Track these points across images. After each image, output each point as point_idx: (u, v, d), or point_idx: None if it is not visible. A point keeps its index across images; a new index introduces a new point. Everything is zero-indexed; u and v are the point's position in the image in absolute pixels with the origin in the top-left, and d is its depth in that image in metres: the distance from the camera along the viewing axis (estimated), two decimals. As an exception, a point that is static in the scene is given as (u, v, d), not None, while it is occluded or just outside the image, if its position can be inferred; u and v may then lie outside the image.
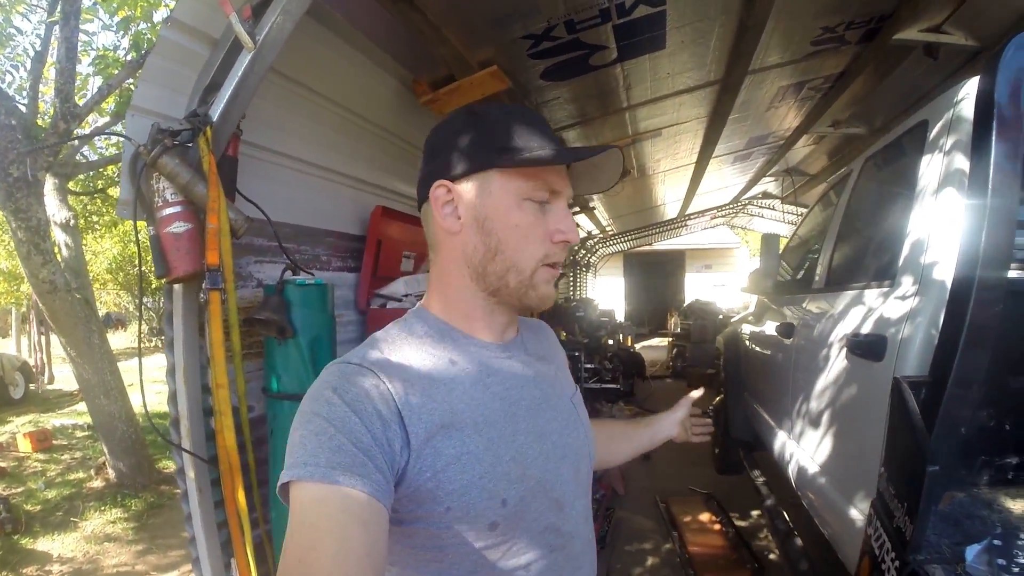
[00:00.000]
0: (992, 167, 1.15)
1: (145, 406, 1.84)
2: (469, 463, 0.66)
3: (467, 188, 0.71)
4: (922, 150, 1.67)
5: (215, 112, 1.61)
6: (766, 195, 8.06)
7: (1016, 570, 0.98)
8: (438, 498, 0.64)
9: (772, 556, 3.17)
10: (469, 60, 2.46)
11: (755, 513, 3.74)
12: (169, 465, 4.89)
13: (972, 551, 1.07)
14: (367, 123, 2.61)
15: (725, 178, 6.89)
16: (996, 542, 1.06)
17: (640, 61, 2.99)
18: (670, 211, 9.12)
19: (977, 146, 1.22)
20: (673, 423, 1.15)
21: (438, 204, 0.72)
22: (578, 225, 7.02)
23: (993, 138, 1.14)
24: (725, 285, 15.15)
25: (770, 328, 3.16)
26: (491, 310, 0.75)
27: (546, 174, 0.71)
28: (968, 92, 1.49)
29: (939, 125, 1.59)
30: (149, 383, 8.61)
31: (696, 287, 15.16)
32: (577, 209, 6.67)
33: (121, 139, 1.51)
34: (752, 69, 3.10)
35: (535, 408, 0.75)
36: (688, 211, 9.37)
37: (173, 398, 1.70)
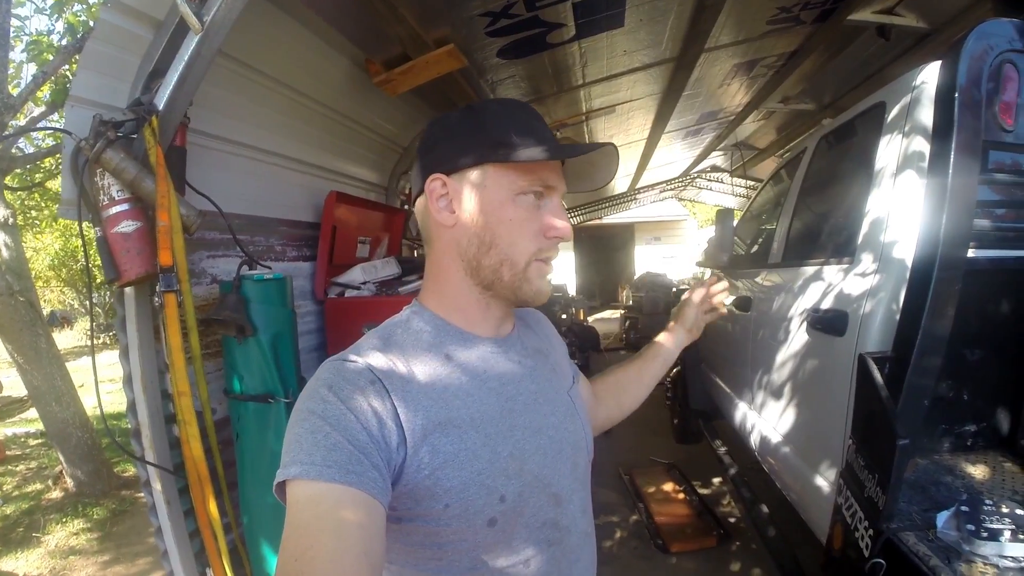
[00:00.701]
0: (953, 151, 1.20)
1: (104, 420, 1.72)
2: (467, 460, 0.66)
3: (462, 182, 0.72)
4: (880, 131, 1.71)
5: (161, 100, 1.50)
6: (715, 168, 8.27)
7: (985, 534, 1.05)
8: (436, 495, 0.64)
9: (734, 521, 3.31)
10: (425, 38, 2.36)
11: (716, 481, 3.89)
12: (128, 468, 4.71)
13: (942, 517, 1.14)
14: (318, 105, 2.48)
15: (675, 153, 7.00)
16: (963, 508, 1.14)
17: (598, 39, 2.96)
18: (620, 186, 9.22)
19: (938, 130, 1.27)
20: (692, 318, 1.10)
21: (433, 197, 0.73)
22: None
23: (955, 123, 1.19)
24: (674, 257, 15.54)
25: (726, 299, 3.25)
26: (486, 304, 0.75)
27: (540, 170, 0.72)
28: (927, 77, 1.53)
29: (897, 108, 1.63)
30: (101, 383, 8.20)
31: (646, 260, 15.48)
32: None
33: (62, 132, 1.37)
34: (708, 47, 3.12)
35: (532, 403, 0.76)
36: (638, 185, 9.51)
37: (132, 408, 1.60)
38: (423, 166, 0.74)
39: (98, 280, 10.60)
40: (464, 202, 0.72)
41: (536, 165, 0.71)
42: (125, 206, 1.47)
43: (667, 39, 3.11)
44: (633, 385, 1.06)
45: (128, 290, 1.57)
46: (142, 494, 4.07)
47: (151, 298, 1.62)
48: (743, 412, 2.73)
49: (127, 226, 1.47)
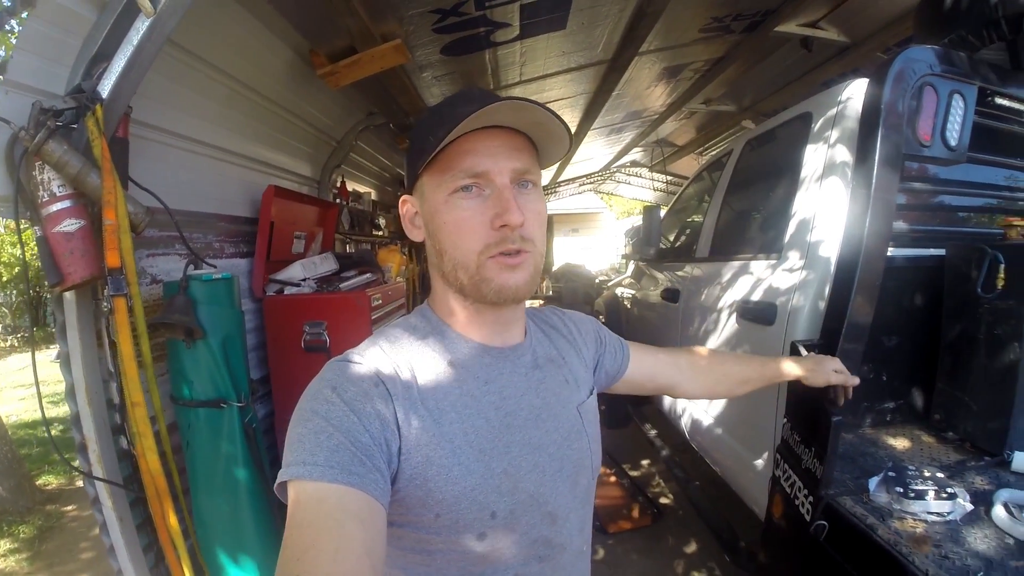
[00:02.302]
0: (876, 161, 1.36)
1: (49, 433, 1.57)
2: (460, 475, 0.65)
3: (416, 198, 0.74)
4: (806, 139, 1.87)
5: (105, 87, 1.38)
6: (634, 163, 8.63)
7: (912, 495, 1.22)
8: (427, 505, 0.64)
9: (665, 501, 3.51)
10: (373, 32, 2.32)
11: (645, 463, 4.10)
12: (51, 481, 4.29)
13: (873, 482, 1.30)
14: (258, 96, 2.37)
15: (598, 149, 7.24)
16: (891, 473, 1.30)
17: (539, 39, 3.03)
18: (543, 178, 9.40)
19: (863, 142, 1.43)
20: (824, 369, 1.18)
21: (405, 219, 0.75)
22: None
23: (879, 137, 1.34)
24: (592, 249, 16.04)
25: (652, 290, 3.42)
26: (474, 309, 0.73)
27: (460, 160, 0.67)
28: (853, 92, 1.69)
29: (823, 119, 1.79)
30: (12, 388, 7.29)
31: (564, 251, 15.88)
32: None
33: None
34: (641, 52, 3.28)
35: (533, 419, 0.74)
36: (559, 179, 9.75)
37: (76, 421, 1.47)
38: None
39: (3, 278, 9.43)
40: (421, 216, 0.74)
41: (458, 157, 0.67)
42: (67, 203, 1.35)
43: (603, 42, 3.24)
44: (735, 386, 1.15)
45: (68, 294, 1.44)
46: (70, 507, 3.76)
47: (93, 301, 1.50)
48: (672, 398, 2.86)
49: (70, 225, 1.35)
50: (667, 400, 2.94)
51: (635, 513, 3.25)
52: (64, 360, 1.45)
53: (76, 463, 1.52)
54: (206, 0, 1.73)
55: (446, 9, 2.38)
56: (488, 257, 0.68)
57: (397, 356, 0.69)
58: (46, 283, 1.31)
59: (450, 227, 0.68)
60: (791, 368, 1.19)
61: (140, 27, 1.37)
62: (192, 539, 1.67)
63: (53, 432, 5.83)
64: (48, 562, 3.18)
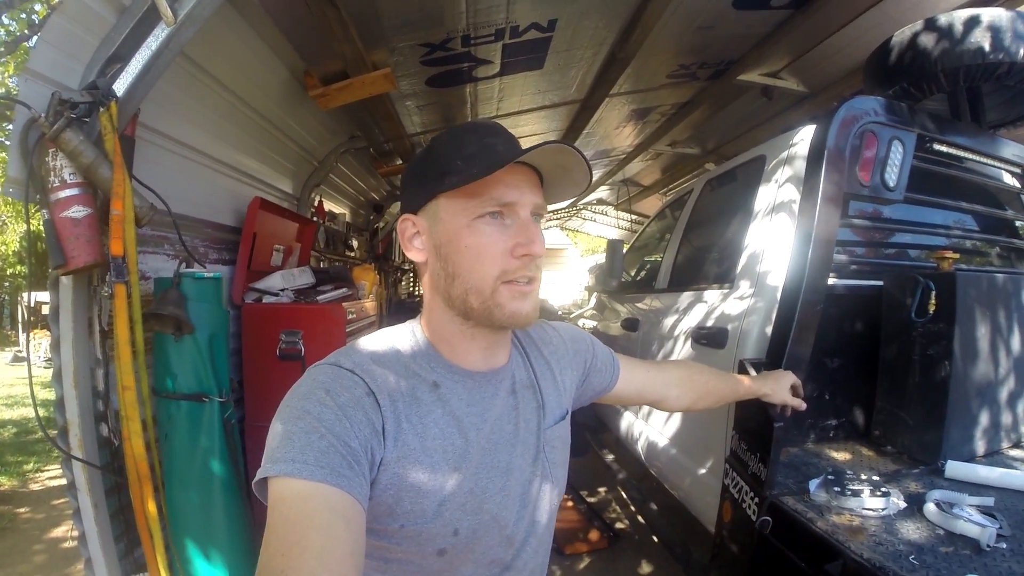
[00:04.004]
0: (820, 199, 1.49)
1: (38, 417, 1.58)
2: (430, 490, 0.67)
3: (424, 219, 0.74)
4: (759, 180, 2.04)
5: (121, 87, 1.48)
6: (600, 201, 8.95)
7: (849, 493, 1.34)
8: (395, 515, 0.66)
9: (621, 526, 3.57)
10: (365, 59, 2.48)
11: (602, 490, 4.16)
12: (3, 483, 4.13)
13: (813, 484, 1.42)
14: (252, 111, 2.48)
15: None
16: (830, 477, 1.42)
17: (517, 77, 3.25)
18: (542, 217, 9.60)
19: (808, 181, 1.56)
20: (783, 387, 1.32)
21: (405, 237, 0.76)
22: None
23: (822, 177, 1.49)
24: (556, 283, 16.30)
25: (613, 321, 3.54)
26: (471, 334, 0.75)
27: (491, 189, 0.69)
28: (802, 137, 1.86)
29: (775, 161, 1.98)
30: None
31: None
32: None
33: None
34: (612, 93, 3.53)
35: (505, 443, 0.76)
36: (528, 216, 9.97)
37: (60, 405, 1.50)
38: (400, 209, 0.78)
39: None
40: (429, 237, 0.74)
41: (488, 185, 0.69)
42: (76, 190, 1.42)
43: (577, 83, 3.48)
44: (714, 401, 1.23)
45: (65, 279, 1.50)
46: (23, 509, 3.61)
47: (88, 288, 1.55)
48: (629, 422, 2.93)
49: (77, 211, 1.42)
50: (624, 425, 3.00)
51: (592, 536, 3.29)
52: (55, 344, 1.49)
53: (54, 450, 1.53)
54: (218, 15, 1.85)
55: (435, 44, 2.57)
56: (503, 283, 0.70)
57: (388, 368, 0.70)
58: (27, 278, 1.36)
59: (472, 251, 0.69)
60: (759, 386, 1.31)
61: (160, 34, 1.48)
62: (168, 532, 1.68)
63: (4, 434, 5.54)
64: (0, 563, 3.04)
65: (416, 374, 0.72)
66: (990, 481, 1.44)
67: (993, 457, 1.64)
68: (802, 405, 1.37)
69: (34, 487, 4.14)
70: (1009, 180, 2.10)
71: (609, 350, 1.04)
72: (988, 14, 1.65)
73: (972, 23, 1.65)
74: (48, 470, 4.50)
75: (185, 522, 1.76)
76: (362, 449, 0.62)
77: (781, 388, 1.34)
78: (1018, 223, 2.30)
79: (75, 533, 1.53)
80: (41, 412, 1.63)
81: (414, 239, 0.75)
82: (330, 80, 2.59)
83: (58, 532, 3.35)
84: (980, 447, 1.63)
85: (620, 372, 1.03)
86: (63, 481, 1.59)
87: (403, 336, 0.76)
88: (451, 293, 0.72)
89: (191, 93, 2.03)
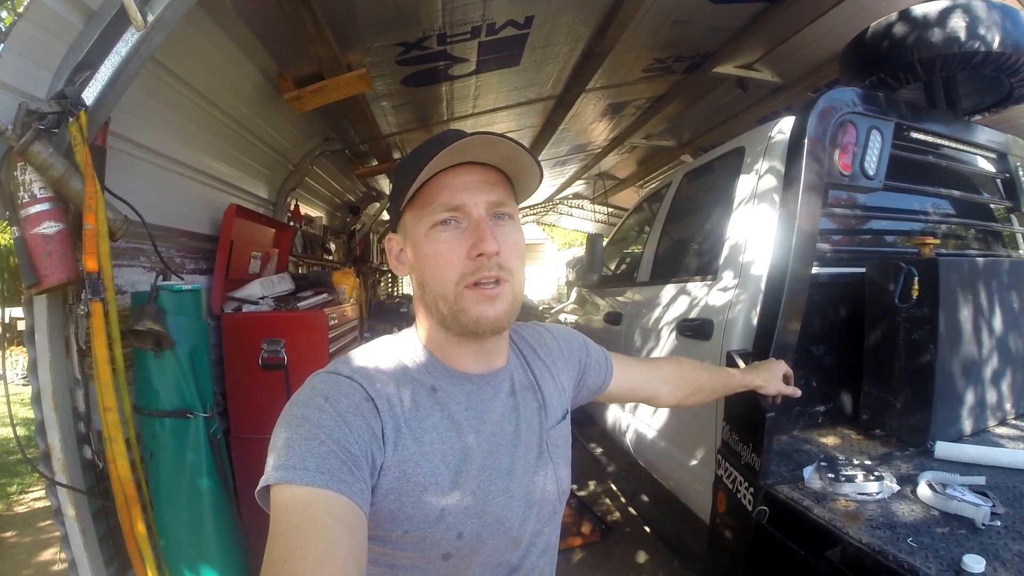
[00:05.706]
0: (801, 190, 1.51)
1: (17, 438, 1.51)
2: (433, 494, 0.68)
3: (401, 235, 0.78)
4: (739, 171, 2.05)
5: (90, 95, 1.42)
6: (576, 196, 8.97)
7: (843, 479, 1.36)
8: (398, 520, 0.66)
9: (613, 519, 3.58)
10: (341, 60, 2.43)
11: (591, 484, 4.18)
12: None
13: (807, 471, 1.44)
14: (224, 116, 2.41)
15: (543, 181, 7.51)
16: (823, 464, 1.44)
17: (492, 75, 3.22)
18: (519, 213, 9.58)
19: (789, 172, 1.58)
20: (776, 377, 1.34)
21: (391, 255, 0.79)
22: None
23: (803, 168, 1.50)
24: (533, 278, 16.34)
25: (595, 315, 3.54)
26: (456, 340, 0.75)
27: (438, 195, 0.70)
28: (782, 129, 1.89)
29: (754, 152, 2.00)
30: None
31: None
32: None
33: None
34: (588, 88, 3.53)
35: (507, 444, 0.77)
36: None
37: (41, 428, 1.44)
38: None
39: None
40: (407, 252, 0.76)
41: (435, 192, 0.70)
42: (47, 205, 1.37)
43: (553, 79, 3.47)
44: (706, 395, 1.24)
45: (39, 298, 1.43)
46: (10, 533, 3.52)
47: (64, 306, 1.49)
48: (615, 416, 2.94)
49: (49, 227, 1.36)
50: (610, 419, 3.01)
51: (585, 530, 3.30)
52: (32, 366, 1.43)
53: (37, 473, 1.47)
54: (189, 19, 1.79)
55: (411, 43, 2.53)
56: (465, 287, 0.70)
57: (387, 375, 0.71)
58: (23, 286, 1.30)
59: (430, 259, 0.71)
60: (752, 378, 1.33)
61: (129, 39, 1.41)
62: (157, 550, 1.63)
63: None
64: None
65: (414, 379, 0.73)
66: (979, 460, 1.48)
67: (980, 436, 1.68)
68: (797, 393, 1.39)
69: (19, 509, 4.00)
70: (984, 165, 2.16)
71: (602, 349, 1.05)
72: (963, 4, 1.67)
73: (947, 13, 1.68)
74: (33, 491, 4.32)
75: (176, 541, 1.70)
76: (362, 454, 0.62)
77: (774, 378, 1.36)
78: (993, 206, 2.36)
79: (64, 557, 1.47)
80: (22, 432, 1.55)
81: (400, 256, 0.78)
82: (304, 82, 2.54)
83: (47, 555, 3.23)
84: (967, 427, 1.67)
85: (614, 371, 1.03)
86: (49, 503, 1.53)
87: (401, 343, 0.77)
88: (426, 302, 0.74)
89: (163, 100, 1.96)
